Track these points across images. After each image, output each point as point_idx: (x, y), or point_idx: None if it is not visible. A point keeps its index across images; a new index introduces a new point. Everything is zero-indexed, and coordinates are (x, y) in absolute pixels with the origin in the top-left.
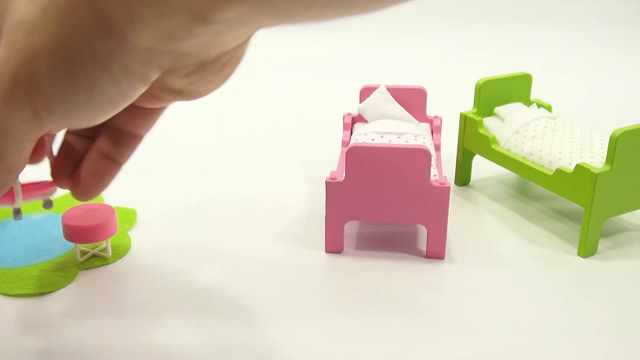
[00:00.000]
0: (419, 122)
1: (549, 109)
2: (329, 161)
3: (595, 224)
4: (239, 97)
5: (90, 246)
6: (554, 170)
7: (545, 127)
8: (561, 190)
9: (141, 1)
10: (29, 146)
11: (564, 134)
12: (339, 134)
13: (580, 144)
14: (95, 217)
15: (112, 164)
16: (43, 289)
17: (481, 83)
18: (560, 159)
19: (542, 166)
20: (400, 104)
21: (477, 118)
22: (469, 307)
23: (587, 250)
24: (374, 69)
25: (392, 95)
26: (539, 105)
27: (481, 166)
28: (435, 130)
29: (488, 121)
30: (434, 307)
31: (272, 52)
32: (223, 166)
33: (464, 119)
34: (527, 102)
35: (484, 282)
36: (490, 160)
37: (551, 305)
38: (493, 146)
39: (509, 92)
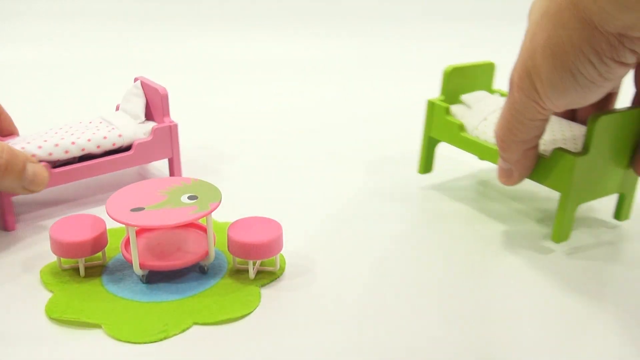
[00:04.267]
0: (147, 120)
1: None
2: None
3: (571, 208)
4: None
5: (72, 260)
6: None
7: None
8: (536, 176)
9: (609, 1)
10: (537, 125)
11: None
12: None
13: (551, 130)
14: (86, 231)
15: None
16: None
17: (449, 70)
18: None
19: None
20: (149, 101)
21: (445, 105)
22: (314, 319)
23: (561, 235)
24: (380, 69)
25: (144, 91)
26: (502, 95)
27: (446, 156)
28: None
29: (454, 109)
30: (399, 302)
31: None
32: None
33: (432, 106)
34: (490, 91)
35: (450, 269)
36: (458, 147)
37: (519, 294)
38: (462, 133)
39: (474, 81)
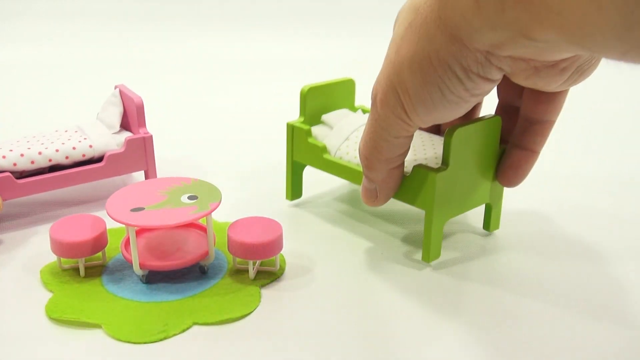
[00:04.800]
0: (122, 130)
1: None
2: None
3: (437, 226)
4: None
5: (72, 261)
6: None
7: None
8: (400, 195)
9: (479, 17)
10: (402, 142)
11: None
12: None
13: (413, 146)
14: (85, 231)
15: (526, 153)
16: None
17: (306, 90)
18: None
19: None
20: (127, 111)
21: (305, 127)
22: (314, 319)
23: (431, 254)
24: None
25: (123, 100)
26: (364, 111)
27: (314, 179)
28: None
29: (316, 130)
30: (275, 322)
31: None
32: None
33: (292, 129)
34: (352, 108)
35: (327, 291)
36: (323, 170)
37: (399, 315)
38: (324, 155)
39: (334, 99)
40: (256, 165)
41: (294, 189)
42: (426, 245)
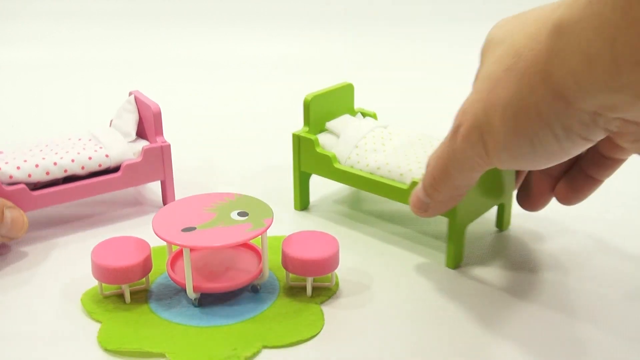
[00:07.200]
0: (137, 138)
1: (373, 116)
2: None
3: (460, 231)
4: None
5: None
6: (408, 183)
7: (382, 138)
8: None
9: (591, 78)
10: (476, 176)
11: (402, 143)
12: None
13: (424, 151)
14: (127, 256)
15: (591, 180)
16: None
17: (310, 99)
18: (410, 169)
19: (393, 180)
20: (142, 118)
21: (312, 137)
22: (378, 336)
23: (454, 259)
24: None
25: (138, 107)
26: (364, 114)
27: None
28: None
29: (322, 138)
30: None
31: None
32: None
33: (298, 140)
34: (352, 112)
35: (386, 306)
36: (333, 179)
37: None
38: (335, 165)
39: (334, 105)
40: (263, 166)
41: (302, 198)
42: (451, 252)
